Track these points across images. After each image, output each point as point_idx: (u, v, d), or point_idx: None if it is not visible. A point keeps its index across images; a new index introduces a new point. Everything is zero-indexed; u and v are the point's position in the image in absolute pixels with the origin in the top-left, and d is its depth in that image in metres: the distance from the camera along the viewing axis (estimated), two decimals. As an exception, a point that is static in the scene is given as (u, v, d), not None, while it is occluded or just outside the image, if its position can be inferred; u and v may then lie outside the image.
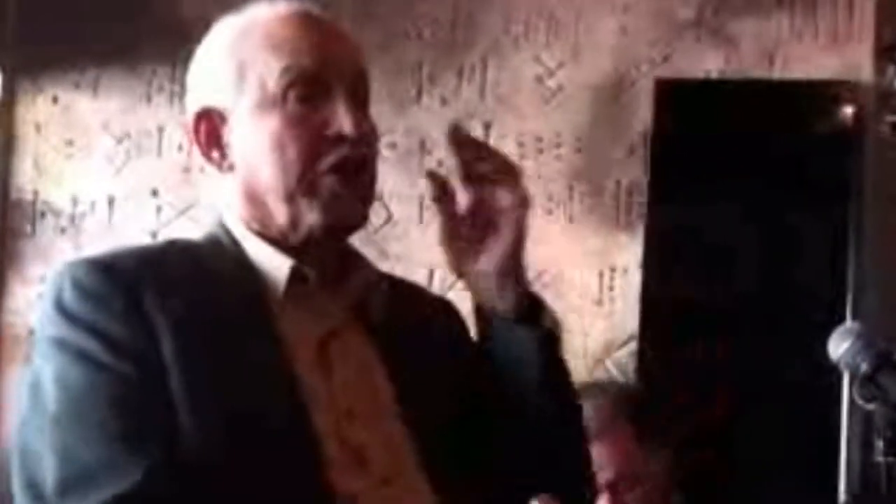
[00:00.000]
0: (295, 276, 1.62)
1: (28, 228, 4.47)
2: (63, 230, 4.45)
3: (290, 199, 1.60)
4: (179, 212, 4.37)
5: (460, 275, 1.72)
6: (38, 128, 4.50)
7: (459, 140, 1.69)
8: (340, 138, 1.59)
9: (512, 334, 1.68)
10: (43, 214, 4.46)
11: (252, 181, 1.63)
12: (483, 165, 1.69)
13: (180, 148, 4.39)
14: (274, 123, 1.59)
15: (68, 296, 1.54)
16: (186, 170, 4.38)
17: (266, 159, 1.60)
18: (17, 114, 4.51)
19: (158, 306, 1.52)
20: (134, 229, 4.34)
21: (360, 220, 1.66)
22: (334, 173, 1.59)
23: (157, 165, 4.41)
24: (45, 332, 1.55)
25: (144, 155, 4.41)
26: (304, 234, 1.61)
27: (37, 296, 4.41)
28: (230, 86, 1.63)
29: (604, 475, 2.92)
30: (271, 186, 1.61)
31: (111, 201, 4.43)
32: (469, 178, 1.70)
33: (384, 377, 1.65)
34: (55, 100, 4.49)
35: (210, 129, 1.66)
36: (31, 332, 4.45)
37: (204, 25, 4.77)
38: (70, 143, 4.47)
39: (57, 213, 4.45)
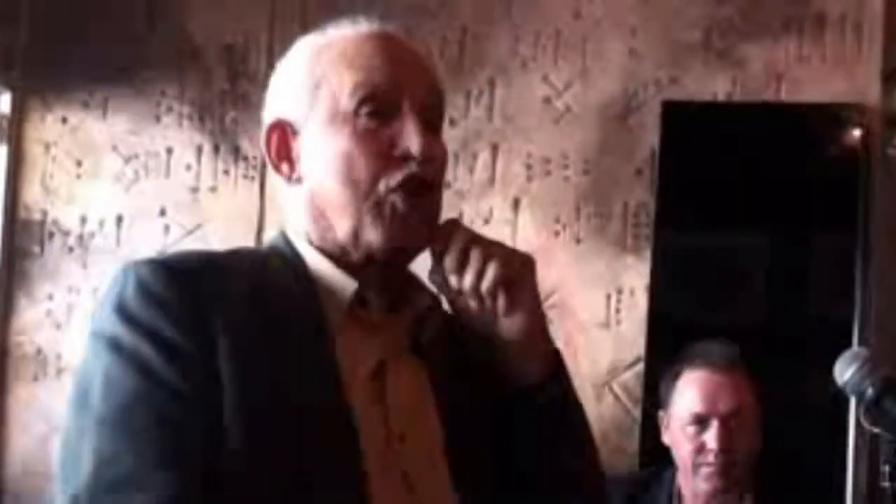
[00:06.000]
0: (357, 299, 1.60)
1: (36, 248, 4.48)
2: (71, 249, 4.45)
3: (354, 214, 1.58)
4: (187, 231, 4.38)
5: (484, 345, 1.67)
6: (47, 148, 4.51)
7: (454, 239, 1.64)
8: (408, 157, 1.58)
9: (535, 402, 1.66)
10: (51, 234, 4.47)
11: (318, 195, 1.61)
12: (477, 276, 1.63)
13: (188, 168, 4.40)
14: (343, 139, 1.58)
15: (130, 296, 1.51)
16: (194, 190, 4.39)
17: (333, 174, 1.59)
18: (26, 134, 4.52)
19: (220, 320, 1.51)
20: (142, 249, 4.34)
21: (424, 242, 1.64)
22: (400, 192, 1.58)
23: (165, 185, 4.42)
24: (101, 330, 1.52)
25: (152, 175, 4.43)
26: (363, 252, 1.60)
27: (45, 314, 4.43)
28: (304, 99, 1.62)
29: (722, 405, 3.06)
30: (336, 202, 1.59)
31: (119, 221, 4.44)
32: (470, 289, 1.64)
33: (433, 406, 1.63)
34: (64, 120, 4.51)
35: (281, 141, 1.65)
36: (39, 352, 4.50)
37: (212, 48, 4.82)
38: (79, 163, 4.49)
39: (65, 233, 4.46)
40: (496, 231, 4.17)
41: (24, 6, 4.53)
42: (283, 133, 1.64)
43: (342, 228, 1.60)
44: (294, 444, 1.49)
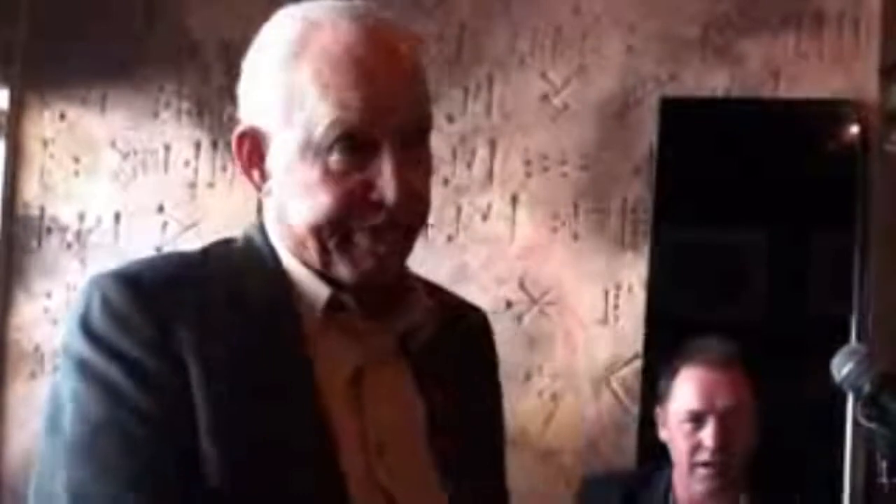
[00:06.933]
0: (333, 303, 1.54)
1: (34, 244, 4.48)
2: (69, 246, 4.45)
3: (322, 249, 1.52)
4: (185, 228, 4.38)
5: None
6: (45, 144, 4.51)
7: None
8: (382, 203, 1.49)
9: None
10: (49, 230, 4.47)
11: (288, 217, 1.55)
12: None
13: (186, 164, 4.40)
14: (315, 173, 1.49)
15: (96, 314, 1.46)
16: (192, 186, 4.39)
17: (302, 204, 1.51)
18: (24, 130, 4.52)
19: (191, 336, 1.46)
20: (140, 245, 4.34)
21: (393, 277, 1.57)
22: (368, 231, 1.51)
23: (163, 181, 4.42)
24: (69, 349, 1.48)
25: (150, 171, 4.42)
26: (335, 278, 1.55)
27: (42, 310, 4.43)
28: (277, 113, 1.52)
29: (719, 402, 3.04)
30: (304, 232, 1.53)
31: (117, 217, 4.44)
32: None
33: (422, 413, 1.59)
34: (62, 116, 4.50)
35: (253, 148, 1.56)
36: (37, 348, 4.50)
37: (211, 44, 4.82)
38: (77, 159, 4.49)
39: (63, 229, 4.46)
40: (494, 227, 4.18)
41: (24, 2, 4.53)
42: (255, 141, 1.56)
43: (313, 255, 1.54)
44: (272, 463, 1.46)
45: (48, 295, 4.44)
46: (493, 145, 4.24)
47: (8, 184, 4.50)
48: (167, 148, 4.43)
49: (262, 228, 1.61)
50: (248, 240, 1.62)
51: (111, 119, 4.47)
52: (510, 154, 4.22)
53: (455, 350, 1.66)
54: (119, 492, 1.41)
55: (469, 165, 4.21)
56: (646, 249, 4.07)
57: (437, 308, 1.64)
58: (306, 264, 1.56)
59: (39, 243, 4.48)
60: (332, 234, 1.51)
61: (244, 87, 1.60)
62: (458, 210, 4.17)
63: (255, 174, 1.58)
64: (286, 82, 1.52)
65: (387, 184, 1.49)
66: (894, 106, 4.04)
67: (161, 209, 4.41)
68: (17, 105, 4.52)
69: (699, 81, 4.12)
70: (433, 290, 1.70)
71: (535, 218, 4.18)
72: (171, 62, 4.44)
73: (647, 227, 4.07)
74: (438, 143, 4.19)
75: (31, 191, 4.51)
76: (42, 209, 4.49)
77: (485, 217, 4.19)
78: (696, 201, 4.05)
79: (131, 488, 1.41)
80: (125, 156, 4.45)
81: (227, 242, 1.63)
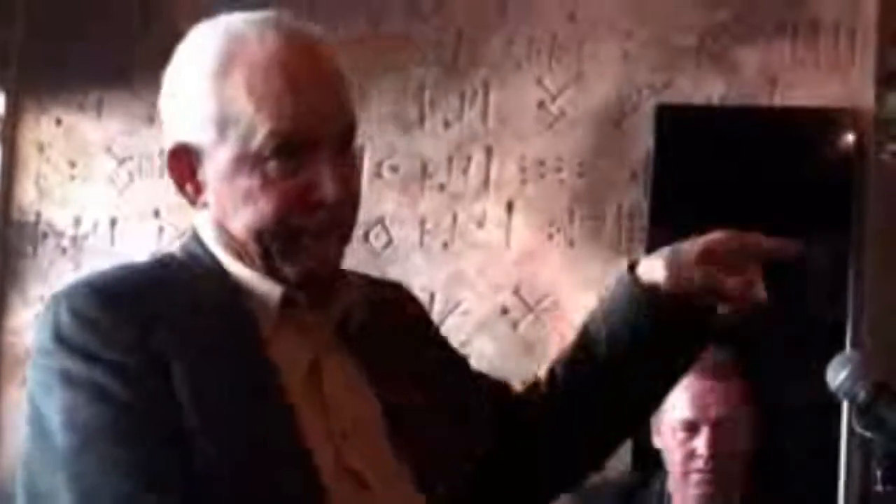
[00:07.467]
0: (285, 301, 1.58)
1: (30, 249, 4.48)
2: (64, 251, 4.45)
3: (264, 253, 1.57)
4: (181, 233, 4.34)
5: (670, 258, 1.74)
6: (41, 149, 4.51)
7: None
8: (322, 203, 1.54)
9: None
10: (45, 235, 4.47)
11: (227, 226, 1.59)
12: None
13: (182, 170, 4.39)
14: (254, 181, 1.54)
15: (67, 324, 1.49)
16: (188, 191, 4.39)
17: (242, 212, 1.56)
18: (20, 135, 4.52)
19: (164, 337, 1.49)
20: (136, 250, 4.33)
21: (333, 273, 1.63)
22: (310, 232, 1.56)
23: (159, 187, 4.40)
24: (46, 364, 1.50)
25: (146, 176, 4.42)
26: (281, 279, 1.59)
27: (35, 317, 4.42)
28: (210, 128, 1.56)
29: (713, 411, 3.03)
30: (245, 238, 1.57)
31: (113, 222, 4.43)
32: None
33: (371, 394, 1.63)
34: (58, 121, 4.50)
35: (185, 165, 1.60)
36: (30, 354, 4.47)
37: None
38: (73, 164, 4.48)
39: (59, 234, 4.46)
40: (490, 234, 4.17)
41: (20, 5, 4.53)
42: (188, 156, 1.60)
43: (256, 259, 1.59)
44: (253, 462, 1.48)
45: (43, 300, 4.43)
46: (489, 152, 4.24)
47: (4, 188, 4.49)
48: (163, 153, 4.41)
49: (198, 239, 1.64)
50: (186, 250, 1.65)
51: (107, 124, 4.47)
52: (506, 160, 4.22)
53: (388, 325, 1.70)
54: (120, 481, 1.43)
55: (465, 172, 4.21)
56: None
57: (365, 288, 1.70)
58: (250, 267, 1.60)
59: (35, 248, 4.48)
60: (275, 237, 1.56)
61: (170, 106, 1.66)
62: (454, 217, 4.16)
63: (189, 188, 1.62)
64: (217, 97, 1.56)
65: (326, 184, 1.54)
66: (890, 114, 4.04)
67: (157, 214, 4.41)
68: (14, 109, 4.51)
69: (695, 88, 4.13)
70: (354, 275, 1.73)
71: (531, 224, 4.18)
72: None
73: (643, 234, 4.07)
74: (434, 149, 4.19)
75: (26, 196, 4.50)
76: (38, 214, 4.49)
77: (480, 224, 4.18)
78: (692, 208, 4.04)
79: (131, 479, 1.44)
80: (121, 161, 4.45)
81: (170, 255, 1.67)
